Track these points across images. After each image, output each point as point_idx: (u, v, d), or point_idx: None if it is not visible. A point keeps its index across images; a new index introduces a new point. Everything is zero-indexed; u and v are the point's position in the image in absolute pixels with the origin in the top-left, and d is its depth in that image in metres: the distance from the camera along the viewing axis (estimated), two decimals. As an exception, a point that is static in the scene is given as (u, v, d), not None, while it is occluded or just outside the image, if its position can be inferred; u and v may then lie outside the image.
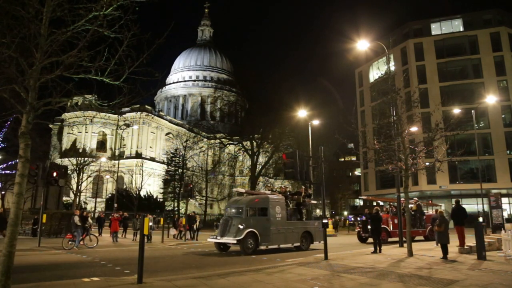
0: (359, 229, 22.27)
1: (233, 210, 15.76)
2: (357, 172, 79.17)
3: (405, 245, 14.41)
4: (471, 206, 41.32)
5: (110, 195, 52.68)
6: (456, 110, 29.94)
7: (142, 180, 46.51)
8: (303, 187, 18.60)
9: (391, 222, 19.86)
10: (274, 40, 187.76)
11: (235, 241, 14.45)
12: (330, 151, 53.27)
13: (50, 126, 67.28)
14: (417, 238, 21.19)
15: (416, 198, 25.36)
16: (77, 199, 42.26)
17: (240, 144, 47.85)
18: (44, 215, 18.65)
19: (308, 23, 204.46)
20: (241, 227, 14.43)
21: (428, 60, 50.58)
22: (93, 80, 6.87)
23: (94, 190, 52.43)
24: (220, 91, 70.59)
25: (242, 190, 20.17)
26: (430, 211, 25.57)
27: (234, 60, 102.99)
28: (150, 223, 15.65)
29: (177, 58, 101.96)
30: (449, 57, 50.21)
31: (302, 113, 30.09)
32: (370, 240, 20.41)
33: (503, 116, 47.33)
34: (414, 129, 16.71)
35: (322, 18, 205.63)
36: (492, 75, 47.99)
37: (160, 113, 77.12)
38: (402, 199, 18.25)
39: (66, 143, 66.14)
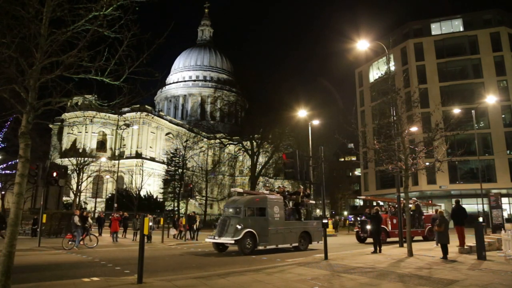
0: (357, 229, 22.26)
1: (231, 210, 15.71)
2: (357, 172, 79.17)
3: (405, 245, 14.41)
4: (471, 206, 41.31)
5: (110, 195, 52.69)
6: (456, 110, 29.93)
7: (142, 180, 46.52)
8: (302, 187, 18.58)
9: (389, 222, 19.86)
10: (274, 40, 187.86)
11: (233, 241, 14.38)
12: (330, 151, 53.28)
13: (50, 126, 67.29)
14: (415, 238, 21.19)
15: (414, 198, 25.36)
16: (77, 199, 42.27)
17: (240, 144, 47.85)
18: (44, 215, 18.64)
19: (308, 23, 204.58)
20: (239, 227, 14.37)
21: (428, 60, 50.59)
22: (93, 80, 6.87)
23: (94, 190, 52.44)
24: (220, 91, 70.62)
25: (240, 190, 20.16)
26: (430, 211, 25.58)
27: (234, 60, 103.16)
28: (150, 223, 15.61)
29: (177, 58, 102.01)
30: (449, 57, 50.21)
31: (302, 113, 30.09)
32: (369, 240, 20.43)
33: (503, 116, 47.33)
34: (414, 129, 16.70)
35: (322, 18, 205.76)
36: (492, 75, 47.99)
37: (160, 113, 77.14)
38: (402, 199, 18.28)
39: (66, 143, 66.16)
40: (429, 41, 51.45)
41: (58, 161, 50.54)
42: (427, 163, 16.21)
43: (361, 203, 74.94)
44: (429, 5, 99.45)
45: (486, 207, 29.24)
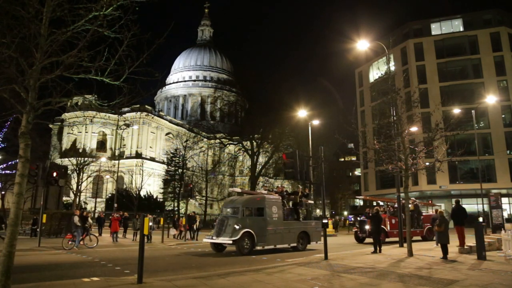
0: (356, 229, 22.23)
1: (229, 210, 15.59)
2: (357, 172, 79.17)
3: (405, 245, 14.41)
4: (471, 206, 41.32)
5: (110, 195, 52.70)
6: (456, 110, 29.93)
7: (142, 180, 46.53)
8: (300, 187, 18.54)
9: (388, 222, 19.84)
10: (274, 40, 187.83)
11: (231, 242, 14.29)
12: (330, 151, 53.29)
13: (50, 126, 67.28)
14: (414, 238, 21.18)
15: (413, 198, 25.37)
16: (77, 199, 42.27)
17: (240, 144, 47.84)
18: (44, 215, 18.64)
19: (308, 23, 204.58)
20: (237, 227, 14.27)
21: (428, 60, 50.58)
22: (93, 80, 6.87)
23: (94, 190, 52.44)
24: (220, 91, 70.61)
25: (238, 190, 20.08)
26: (430, 211, 25.58)
27: (234, 60, 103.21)
28: (150, 223, 15.64)
29: (177, 58, 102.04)
30: (449, 57, 50.21)
31: (302, 113, 30.09)
32: (368, 240, 20.44)
33: (503, 116, 47.32)
34: (414, 129, 16.70)
35: (322, 18, 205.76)
36: (492, 75, 47.98)
37: (160, 113, 77.15)
38: (402, 200, 18.27)
39: (66, 143, 66.17)
40: (429, 41, 51.44)
41: (58, 161, 50.54)
42: (427, 163, 16.21)
43: (361, 203, 74.98)
44: (429, 5, 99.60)
45: (486, 207, 29.25)
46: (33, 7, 6.04)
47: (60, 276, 9.11)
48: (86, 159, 46.40)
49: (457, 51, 50.85)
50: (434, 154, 13.57)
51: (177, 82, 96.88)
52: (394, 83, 14.82)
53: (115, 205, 35.62)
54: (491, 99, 39.63)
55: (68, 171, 35.94)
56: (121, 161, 51.85)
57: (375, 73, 54.36)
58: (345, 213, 76.89)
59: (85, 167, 45.05)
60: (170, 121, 77.75)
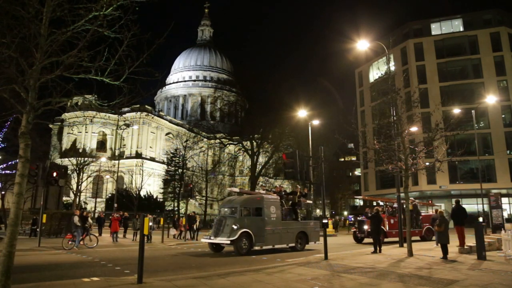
0: (355, 229, 22.19)
1: (228, 210, 15.50)
2: (357, 172, 79.18)
3: (405, 245, 14.41)
4: (471, 206, 41.32)
5: (110, 195, 52.70)
6: (456, 110, 29.94)
7: (142, 180, 46.52)
8: (299, 187, 18.52)
9: (387, 222, 19.82)
10: (274, 40, 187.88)
11: (228, 242, 14.21)
12: (330, 151, 53.27)
13: (50, 126, 67.28)
14: (413, 238, 21.15)
15: (412, 198, 25.40)
16: (77, 199, 42.26)
17: (240, 144, 47.84)
18: (44, 215, 18.64)
19: (308, 23, 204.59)
20: (235, 227, 14.19)
21: (428, 60, 50.59)
22: (93, 80, 6.87)
23: (94, 190, 52.44)
24: (220, 91, 70.62)
25: (237, 190, 20.01)
26: (430, 211, 25.58)
27: (234, 60, 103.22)
28: (150, 223, 15.63)
29: (177, 58, 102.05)
30: (449, 57, 50.21)
31: (302, 113, 30.09)
32: (366, 240, 20.43)
33: (503, 116, 47.33)
34: (414, 129, 16.70)
35: (322, 18, 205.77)
36: (492, 75, 47.99)
37: (160, 113, 77.17)
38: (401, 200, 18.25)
39: (66, 143, 66.18)
40: (429, 41, 51.45)
41: (58, 161, 50.53)
42: (427, 163, 16.21)
43: (361, 203, 74.97)
44: (429, 5, 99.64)
45: (486, 207, 29.25)
46: (33, 7, 6.04)
47: (60, 276, 9.11)
48: (86, 159, 46.38)
49: (457, 51, 50.85)
50: (434, 154, 13.57)
51: (177, 82, 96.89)
52: (394, 83, 14.82)
53: (115, 205, 35.62)
54: (491, 99, 39.63)
55: (68, 171, 35.93)
56: (121, 161, 51.86)
57: (375, 73, 54.37)
58: (345, 213, 76.92)
59: (85, 167, 45.04)
60: (170, 121, 77.76)
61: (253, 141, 45.44)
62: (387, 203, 23.75)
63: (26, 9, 6.01)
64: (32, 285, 7.73)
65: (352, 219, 50.73)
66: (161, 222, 25.42)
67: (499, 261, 11.68)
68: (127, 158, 67.07)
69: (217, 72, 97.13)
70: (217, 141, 54.31)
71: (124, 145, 66.45)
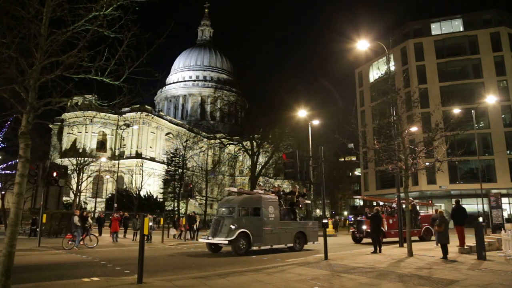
0: (353, 230, 22.15)
1: (225, 210, 15.42)
2: (357, 172, 79.18)
3: (405, 245, 14.41)
4: (471, 206, 41.32)
5: (110, 195, 52.70)
6: (456, 110, 29.95)
7: (142, 180, 46.54)
8: (297, 187, 18.47)
9: (385, 222, 19.80)
10: (274, 40, 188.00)
11: (226, 242, 14.11)
12: (330, 151, 53.24)
13: (50, 126, 67.28)
14: (412, 238, 21.14)
15: (411, 198, 25.41)
16: (77, 199, 42.26)
17: (240, 144, 47.82)
18: (44, 215, 18.64)
19: (308, 23, 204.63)
20: (233, 227, 14.11)
21: (428, 60, 50.59)
22: (93, 80, 6.87)
23: (94, 190, 52.44)
24: (220, 91, 70.60)
25: (235, 189, 19.95)
26: (430, 211, 25.57)
27: (234, 60, 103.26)
28: (150, 223, 15.63)
29: (177, 58, 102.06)
30: (449, 57, 50.21)
31: (302, 113, 30.08)
32: (365, 240, 20.42)
33: (503, 116, 47.33)
34: (414, 129, 16.69)
35: (322, 18, 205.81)
36: (492, 75, 47.99)
37: (160, 113, 77.18)
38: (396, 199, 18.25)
39: (66, 143, 66.18)
40: (429, 41, 51.45)
41: (58, 161, 50.53)
42: (427, 163, 16.20)
43: (361, 203, 74.96)
44: (429, 5, 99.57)
45: (486, 207, 29.25)
46: (33, 7, 6.04)
47: (60, 276, 9.11)
48: (86, 159, 46.39)
49: (457, 51, 50.85)
50: (434, 154, 13.56)
51: (177, 82, 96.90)
52: (394, 83, 14.82)
53: (115, 205, 35.63)
54: (491, 99, 39.63)
55: (68, 171, 35.93)
56: (121, 161, 51.86)
57: (375, 73, 54.37)
58: (345, 213, 76.91)
59: (85, 167, 45.04)
60: (170, 121, 77.77)
61: (253, 141, 45.43)
62: (386, 203, 23.74)
63: (26, 9, 6.01)
64: (32, 285, 7.73)
65: (352, 219, 50.72)
66: (161, 222, 25.42)
67: (499, 261, 11.68)
68: (127, 158, 67.08)
69: (217, 72, 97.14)
70: (217, 141, 54.30)
71: (124, 145, 66.46)
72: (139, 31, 6.70)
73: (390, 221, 19.87)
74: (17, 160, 6.41)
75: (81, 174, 43.24)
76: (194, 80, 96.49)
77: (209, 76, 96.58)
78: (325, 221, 13.16)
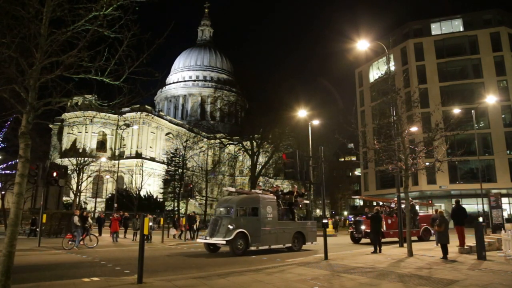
0: (352, 230, 22.12)
1: (223, 210, 15.32)
2: (357, 172, 79.19)
3: (405, 245, 14.41)
4: (471, 206, 41.33)
5: (110, 195, 52.72)
6: (456, 110, 29.96)
7: (142, 180, 46.54)
8: (296, 187, 18.42)
9: (384, 223, 19.79)
10: (274, 40, 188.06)
11: (224, 242, 14.02)
12: (330, 151, 53.22)
13: (50, 126, 67.28)
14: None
15: (410, 198, 25.37)
16: (77, 199, 42.26)
17: (240, 144, 47.82)
18: (44, 215, 18.63)
19: (308, 23, 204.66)
20: (230, 227, 14.02)
21: (428, 60, 50.59)
22: (93, 80, 6.87)
23: (94, 190, 52.44)
24: (220, 91, 70.59)
25: (232, 189, 19.90)
26: (430, 211, 25.57)
27: (234, 60, 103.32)
28: (150, 223, 15.61)
29: (177, 58, 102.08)
30: (449, 57, 50.21)
31: (302, 113, 30.08)
32: (363, 240, 20.41)
33: (503, 116, 47.33)
34: (414, 129, 16.69)
35: (322, 18, 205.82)
36: (492, 75, 47.99)
37: (160, 113, 77.19)
38: (396, 199, 18.21)
39: (66, 143, 66.19)
40: (429, 41, 51.44)
41: (58, 161, 50.54)
42: (427, 163, 16.20)
43: (361, 203, 75.01)
44: (429, 5, 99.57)
45: (486, 207, 29.24)
46: (33, 7, 6.04)
47: (60, 276, 9.11)
48: (86, 159, 46.38)
49: (457, 51, 50.85)
50: (434, 154, 13.56)
51: (177, 82, 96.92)
52: (394, 83, 14.82)
53: (115, 205, 35.63)
54: (491, 99, 39.63)
55: (68, 171, 35.93)
56: (121, 161, 51.87)
57: (375, 73, 54.37)
58: (345, 213, 76.91)
59: (85, 167, 45.04)
60: (170, 121, 77.77)
61: (253, 141, 45.42)
62: (385, 203, 23.73)
63: (26, 9, 6.01)
64: (32, 285, 7.73)
65: (352, 219, 50.76)
66: (161, 222, 25.42)
67: (499, 261, 11.68)
68: (127, 158, 67.09)
69: (217, 72, 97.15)
70: (217, 141, 54.30)
71: (124, 145, 66.47)
72: (139, 31, 6.71)
73: (389, 221, 19.87)
74: (17, 160, 6.41)
75: (81, 174, 43.24)
76: (194, 80, 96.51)
77: (209, 76, 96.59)
78: (325, 221, 13.15)
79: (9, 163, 36.56)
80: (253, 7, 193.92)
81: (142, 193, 49.35)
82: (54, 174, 16.71)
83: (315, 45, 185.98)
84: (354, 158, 76.75)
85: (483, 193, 28.82)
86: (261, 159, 47.17)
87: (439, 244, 13.14)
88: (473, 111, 30.83)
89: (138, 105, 65.93)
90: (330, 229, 30.53)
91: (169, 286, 7.78)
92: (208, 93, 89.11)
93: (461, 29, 51.88)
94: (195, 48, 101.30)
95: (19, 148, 6.32)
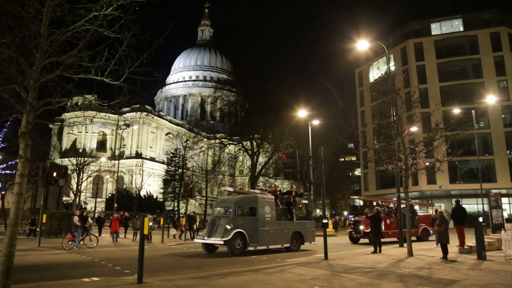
0: (350, 230, 22.11)
1: (221, 210, 15.24)
2: (357, 172, 79.20)
3: (405, 245, 14.41)
4: (471, 206, 41.33)
5: (110, 195, 52.72)
6: (456, 110, 29.98)
7: (142, 180, 46.53)
8: (294, 187, 18.39)
9: (382, 222, 19.78)
10: (274, 40, 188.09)
11: (222, 242, 13.96)
12: (330, 151, 53.22)
13: (50, 126, 67.27)
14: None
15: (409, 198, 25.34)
16: (77, 199, 42.25)
17: (240, 144, 47.83)
18: (44, 215, 18.63)
19: (308, 23, 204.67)
20: (228, 227, 13.96)
21: (428, 60, 50.59)
22: (93, 80, 6.87)
23: (94, 190, 52.44)
24: (220, 91, 70.61)
25: (230, 189, 19.80)
26: (430, 211, 25.58)
27: (234, 60, 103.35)
28: (150, 223, 15.61)
29: (177, 58, 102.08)
30: (449, 57, 50.22)
31: (302, 113, 30.08)
32: (362, 240, 20.40)
33: (503, 116, 47.34)
34: (414, 129, 16.69)
35: (322, 18, 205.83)
36: (492, 75, 47.99)
37: (160, 113, 77.19)
38: (395, 199, 18.20)
39: (66, 143, 66.19)
40: (429, 41, 51.45)
41: (58, 161, 50.53)
42: (427, 163, 16.20)
43: (361, 203, 74.99)
44: (429, 5, 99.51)
45: (486, 207, 29.25)
46: (33, 7, 6.04)
47: (60, 276, 9.11)
48: (86, 159, 46.37)
49: (457, 51, 50.86)
50: (434, 154, 13.56)
51: (177, 82, 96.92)
52: (394, 83, 14.82)
53: (115, 205, 35.63)
54: (491, 99, 39.63)
55: (68, 171, 35.92)
56: (121, 161, 51.88)
57: (375, 73, 54.37)
58: (345, 213, 76.91)
59: (85, 167, 45.02)
60: (170, 121, 77.77)
61: (253, 141, 45.43)
62: (383, 203, 23.74)
63: (26, 9, 6.01)
64: (32, 285, 7.73)
65: (352, 219, 50.73)
66: (161, 222, 25.42)
67: (499, 261, 11.69)
68: (127, 158, 67.09)
69: (217, 72, 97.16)
70: (217, 141, 54.31)
71: (124, 145, 66.48)
72: (139, 31, 6.71)
73: (388, 221, 19.85)
74: (17, 160, 6.41)
75: (81, 174, 43.23)
76: (194, 80, 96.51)
77: (209, 76, 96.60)
78: (325, 221, 13.15)
79: (9, 163, 36.55)
80: (253, 7, 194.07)
81: (142, 193, 49.35)
82: (54, 174, 16.71)
83: (315, 45, 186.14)
84: (354, 158, 76.76)
85: (483, 193, 28.82)
86: (261, 159, 47.18)
87: (439, 244, 13.14)
88: (473, 111, 30.83)
89: (138, 105, 65.93)
90: (330, 229, 30.53)
91: (169, 286, 7.78)
92: (208, 93, 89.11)
93: (461, 29, 51.88)
94: (195, 48, 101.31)
95: (19, 148, 6.32)
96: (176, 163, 51.37)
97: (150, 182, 57.53)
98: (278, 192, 17.47)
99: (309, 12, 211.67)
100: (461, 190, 45.68)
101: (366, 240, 19.58)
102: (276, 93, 43.51)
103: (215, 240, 14.20)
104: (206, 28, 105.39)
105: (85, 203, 53.65)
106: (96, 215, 33.18)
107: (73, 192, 42.80)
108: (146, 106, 69.92)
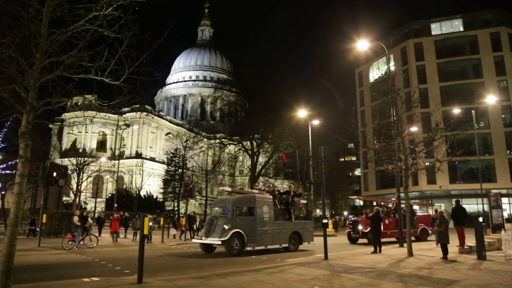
0: (349, 230, 22.10)
1: (219, 210, 15.19)
2: (357, 172, 79.20)
3: (405, 245, 14.41)
4: (471, 206, 41.32)
5: (110, 195, 52.72)
6: (456, 110, 29.97)
7: (142, 180, 46.52)
8: (293, 187, 18.38)
9: (382, 223, 19.76)
10: (274, 40, 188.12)
11: (220, 242, 13.88)
12: (330, 151, 53.23)
13: (50, 126, 67.26)
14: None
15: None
16: (77, 199, 42.24)
17: (240, 144, 47.82)
18: (44, 215, 18.64)
19: (308, 23, 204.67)
20: (226, 227, 13.90)
21: (428, 60, 50.59)
22: (93, 80, 6.86)
23: (94, 190, 52.44)
24: (220, 91, 70.61)
25: (228, 189, 19.75)
26: (430, 211, 25.58)
27: (234, 60, 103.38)
28: (150, 223, 15.59)
29: (177, 58, 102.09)
30: (449, 57, 50.22)
31: (302, 113, 30.08)
32: (361, 240, 20.40)
33: (503, 116, 47.34)
34: (414, 129, 16.69)
35: (322, 18, 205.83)
36: (492, 75, 47.99)
37: (160, 113, 77.19)
38: (394, 199, 18.19)
39: (66, 143, 66.19)
40: (429, 41, 51.45)
41: (58, 161, 50.51)
42: (427, 163, 16.20)
43: (361, 203, 74.98)
44: (429, 5, 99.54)
45: (486, 207, 29.24)
46: (33, 7, 6.04)
47: (60, 276, 9.11)
48: (86, 159, 46.36)
49: (457, 51, 50.85)
50: (434, 154, 13.56)
51: (177, 82, 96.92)
52: (394, 83, 14.82)
53: (115, 205, 35.62)
54: (491, 99, 39.63)
55: (68, 171, 35.92)
56: (121, 161, 51.88)
57: (375, 73, 54.37)
58: (345, 213, 76.91)
59: (85, 167, 45.01)
60: (170, 121, 77.78)
61: (253, 141, 45.42)
62: (382, 203, 23.74)
63: (26, 9, 6.01)
64: (32, 285, 7.73)
65: (352, 219, 50.71)
66: (161, 222, 25.41)
67: (499, 261, 11.69)
68: (127, 158, 67.09)
69: (217, 72, 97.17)
70: (217, 141, 54.30)
71: (124, 145, 66.48)
72: (139, 31, 6.70)
73: (386, 221, 19.85)
74: (17, 160, 6.41)
75: (81, 174, 43.22)
76: (194, 80, 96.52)
77: (209, 76, 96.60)
78: (325, 221, 13.14)
79: (9, 163, 36.54)
80: (253, 7, 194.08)
81: (142, 193, 49.35)
82: (54, 174, 16.71)
83: (315, 45, 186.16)
84: (354, 158, 76.77)
85: (483, 193, 28.81)
86: (261, 159, 47.17)
87: (439, 244, 13.15)
88: (473, 111, 30.82)
89: (138, 105, 65.94)
90: (330, 229, 30.53)
91: (169, 286, 7.78)
92: (208, 93, 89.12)
93: (461, 29, 51.88)
94: (195, 48, 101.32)
95: (19, 148, 6.32)
96: (176, 163, 51.37)
97: (150, 182, 57.53)
98: (277, 192, 17.46)
99: (309, 12, 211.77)
100: (461, 190, 45.68)
101: (365, 240, 19.58)
102: (276, 93, 43.52)
103: (213, 240, 14.14)
104: (206, 28, 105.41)
105: (85, 203, 53.65)
106: (96, 215, 33.18)
107: (73, 192, 42.79)
108: (146, 106, 69.93)
